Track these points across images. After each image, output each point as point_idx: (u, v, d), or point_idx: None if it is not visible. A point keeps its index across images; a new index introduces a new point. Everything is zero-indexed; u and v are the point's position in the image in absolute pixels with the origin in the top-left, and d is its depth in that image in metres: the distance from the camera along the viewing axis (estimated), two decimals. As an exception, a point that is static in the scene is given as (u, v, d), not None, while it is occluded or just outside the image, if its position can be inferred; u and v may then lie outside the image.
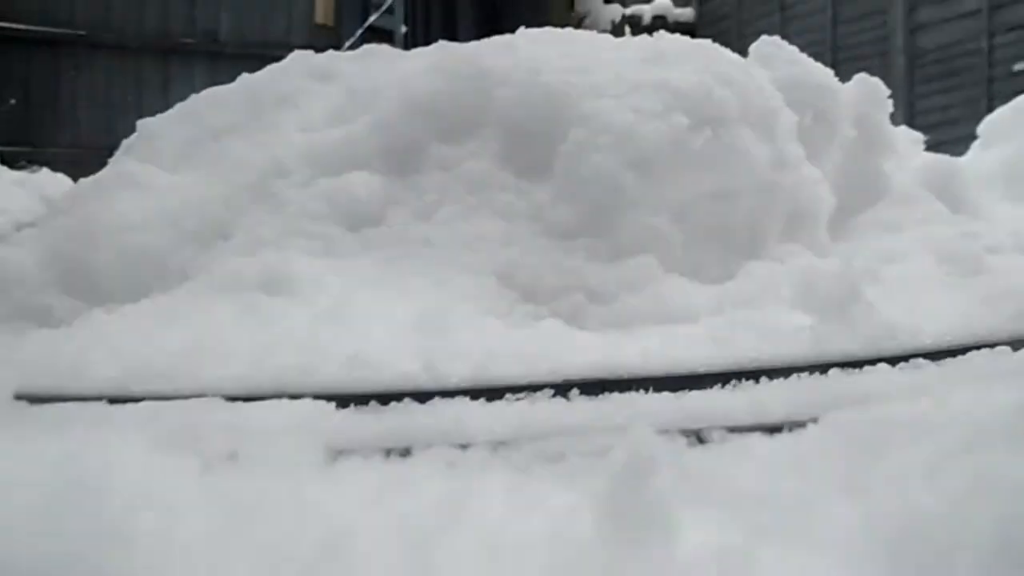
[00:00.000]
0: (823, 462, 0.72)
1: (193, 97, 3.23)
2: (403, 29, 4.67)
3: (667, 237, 2.12)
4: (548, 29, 2.61)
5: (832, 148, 3.03)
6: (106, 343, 1.49)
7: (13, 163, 7.49)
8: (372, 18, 7.28)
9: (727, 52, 2.43)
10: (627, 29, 3.77)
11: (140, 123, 3.12)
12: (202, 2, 8.69)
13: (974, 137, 5.39)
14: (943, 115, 7.37)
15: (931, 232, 2.95)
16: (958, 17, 7.29)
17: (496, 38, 2.50)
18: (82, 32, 8.41)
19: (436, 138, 2.26)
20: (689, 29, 9.23)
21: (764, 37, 3.05)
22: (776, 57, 2.91)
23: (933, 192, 3.45)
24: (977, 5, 7.13)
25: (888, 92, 3.47)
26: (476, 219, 2.13)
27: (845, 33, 8.19)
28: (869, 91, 3.43)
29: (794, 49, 2.95)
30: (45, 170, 7.12)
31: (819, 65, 3.00)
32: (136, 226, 2.30)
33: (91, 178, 2.99)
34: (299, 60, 3.20)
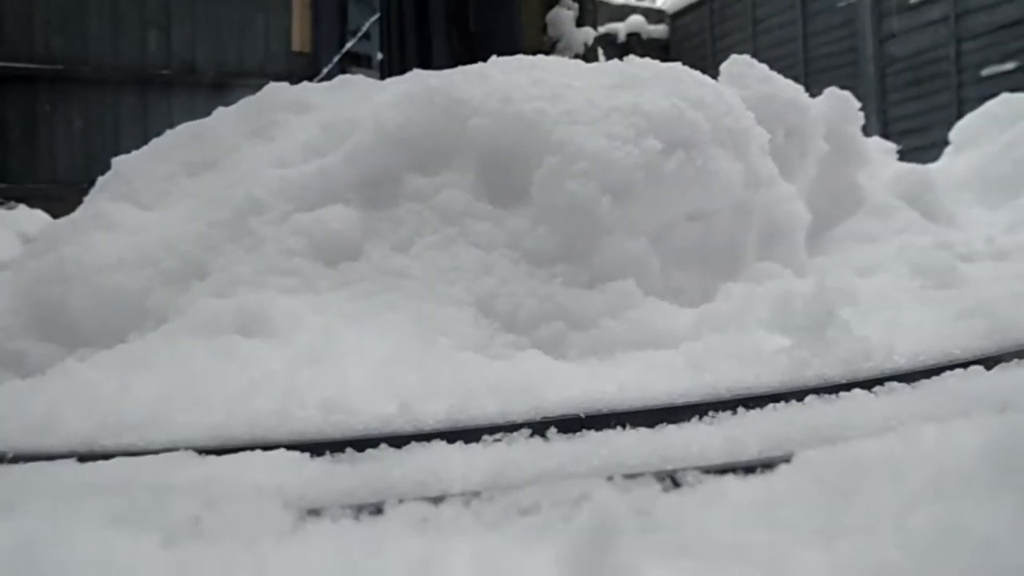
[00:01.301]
0: (795, 508, 0.72)
1: (168, 133, 3.22)
2: (379, 56, 4.69)
3: (645, 261, 2.13)
4: (520, 57, 2.63)
5: (806, 163, 3.07)
6: (78, 395, 1.46)
7: (-9, 201, 7.42)
8: (349, 44, 7.32)
9: (697, 74, 2.46)
10: (600, 50, 3.80)
11: (115, 161, 3.10)
12: (178, 33, 8.70)
13: (946, 142, 5.49)
14: (915, 122, 7.50)
15: (906, 242, 2.99)
16: (926, 25, 7.44)
17: (468, 67, 2.52)
18: (59, 66, 8.38)
19: (411, 169, 2.27)
20: (663, 45, 9.35)
21: (734, 56, 3.09)
22: (747, 75, 2.95)
23: (907, 201, 3.50)
24: (944, 13, 7.29)
25: (859, 105, 3.53)
26: (454, 249, 2.12)
27: (816, 45, 8.33)
28: (840, 104, 3.49)
29: (764, 67, 3.00)
30: (22, 206, 7.06)
31: (789, 82, 3.04)
32: (111, 267, 2.27)
33: (65, 219, 2.96)
34: (273, 92, 3.20)
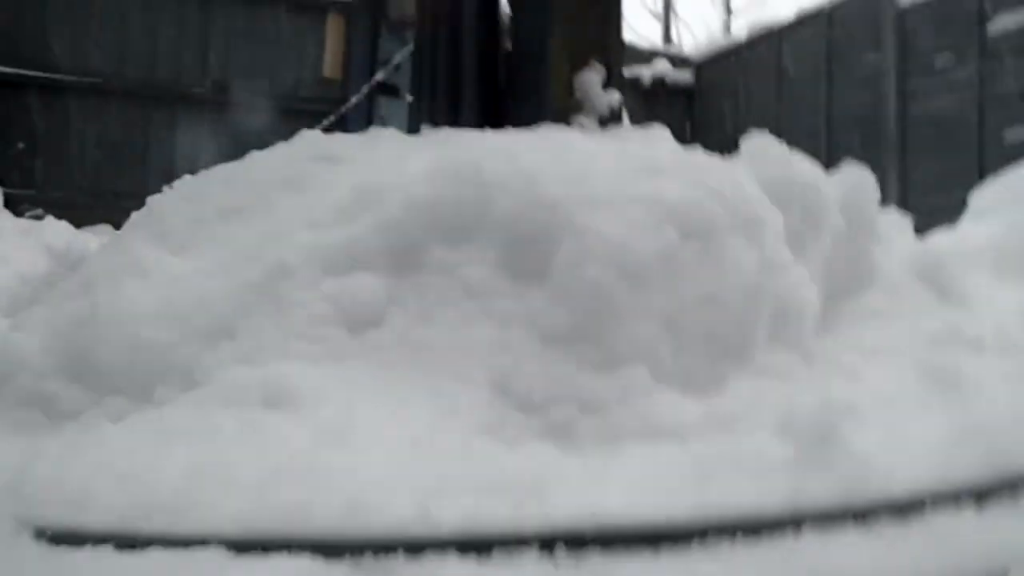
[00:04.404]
0: None
1: (202, 173, 3.35)
2: (408, 98, 4.82)
3: (657, 346, 2.20)
4: (546, 132, 2.72)
5: (820, 242, 3.13)
6: (112, 467, 1.55)
7: (18, 208, 7.61)
8: (378, 75, 7.45)
9: (717, 162, 2.54)
10: (624, 111, 3.89)
11: (149, 200, 3.23)
12: (214, 53, 8.91)
13: (966, 202, 5.51)
14: (936, 182, 7.53)
15: (915, 326, 3.03)
16: (950, 88, 7.50)
17: (496, 141, 2.61)
18: (96, 80, 8.60)
19: (437, 241, 2.35)
20: (688, 92, 9.46)
21: (754, 133, 3.16)
22: (765, 156, 3.02)
23: (920, 279, 3.54)
24: (968, 76, 7.35)
25: (875, 182, 3.58)
26: (474, 324, 2.20)
27: (840, 99, 8.40)
28: (857, 181, 3.54)
29: (783, 148, 3.07)
30: (50, 217, 7.24)
31: (808, 164, 3.11)
32: (143, 318, 2.37)
33: (99, 253, 3.08)
34: (306, 141, 3.32)
